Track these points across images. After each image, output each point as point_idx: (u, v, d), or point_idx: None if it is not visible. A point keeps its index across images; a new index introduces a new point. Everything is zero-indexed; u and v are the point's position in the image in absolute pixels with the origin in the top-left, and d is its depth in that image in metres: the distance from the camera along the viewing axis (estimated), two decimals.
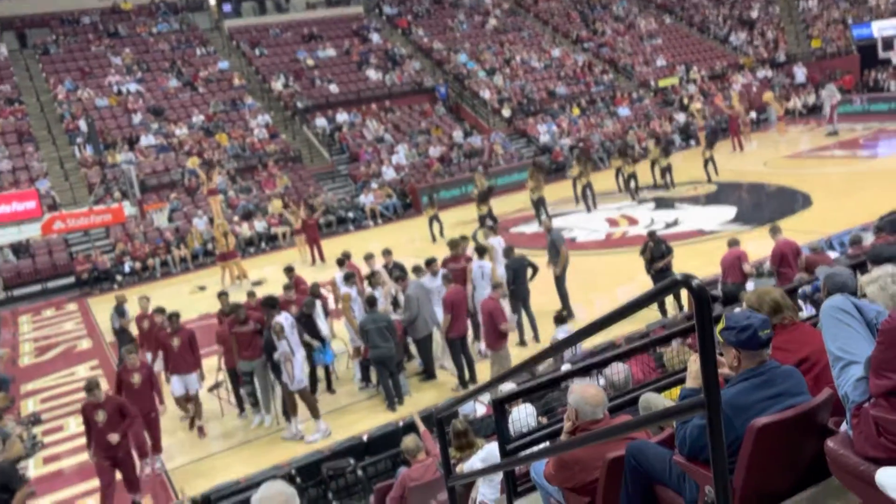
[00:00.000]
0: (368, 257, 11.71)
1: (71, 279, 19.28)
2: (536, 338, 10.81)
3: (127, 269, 19.31)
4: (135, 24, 29.62)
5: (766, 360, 2.76)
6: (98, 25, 29.08)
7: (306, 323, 9.75)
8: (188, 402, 9.69)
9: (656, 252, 11.02)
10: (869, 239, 9.78)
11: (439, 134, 26.87)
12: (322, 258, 17.97)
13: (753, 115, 28.47)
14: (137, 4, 30.78)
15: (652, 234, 11.40)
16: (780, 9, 36.43)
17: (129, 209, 17.42)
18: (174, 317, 9.74)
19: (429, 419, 6.89)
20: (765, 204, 18.18)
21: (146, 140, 23.94)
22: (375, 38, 31.45)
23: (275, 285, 16.31)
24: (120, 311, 12.08)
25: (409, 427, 7.43)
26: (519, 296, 10.73)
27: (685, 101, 29.94)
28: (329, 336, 10.23)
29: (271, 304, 9.43)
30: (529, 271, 10.85)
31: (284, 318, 9.05)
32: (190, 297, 16.63)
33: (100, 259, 19.34)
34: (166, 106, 25.71)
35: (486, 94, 28.93)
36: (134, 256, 19.57)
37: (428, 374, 10.29)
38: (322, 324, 10.04)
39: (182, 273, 19.35)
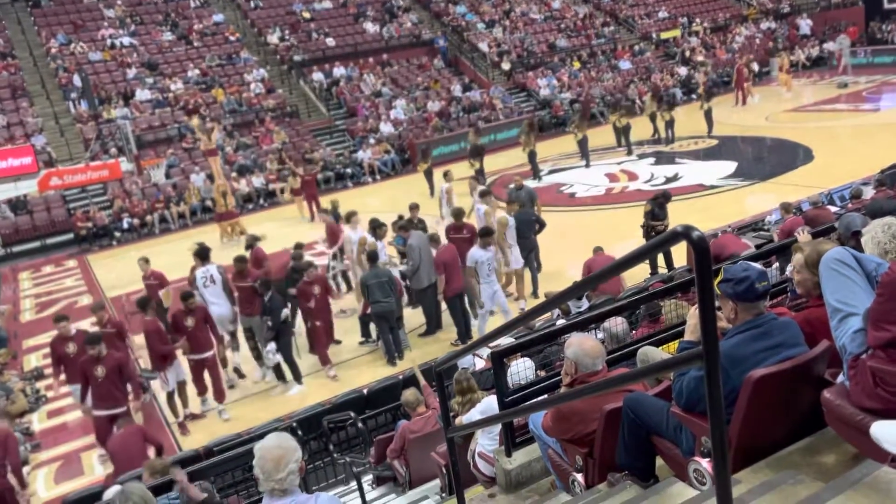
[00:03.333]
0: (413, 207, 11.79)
1: (69, 236, 19.25)
2: (535, 293, 10.86)
3: (125, 225, 19.27)
4: None
5: (763, 312, 2.76)
6: None
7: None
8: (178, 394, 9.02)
9: (659, 215, 10.92)
10: (869, 193, 9.74)
11: (438, 88, 26.54)
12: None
13: (755, 66, 28.09)
14: None
15: (664, 196, 11.16)
16: None
17: (125, 165, 17.29)
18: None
19: (428, 373, 6.96)
20: (766, 158, 18.07)
21: (141, 95, 23.64)
22: None
23: (273, 242, 16.34)
24: (334, 213, 13.26)
25: (410, 381, 7.50)
26: (526, 247, 10.76)
27: (687, 53, 29.53)
28: None
29: (202, 256, 9.76)
30: (536, 226, 11.03)
31: (203, 271, 9.51)
32: (189, 254, 16.62)
33: (98, 215, 19.29)
34: (161, 60, 25.32)
35: (485, 46, 28.49)
36: (132, 213, 19.50)
37: (430, 325, 10.33)
38: None
39: (181, 230, 19.30)
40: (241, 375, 9.87)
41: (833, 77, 26.21)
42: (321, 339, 9.49)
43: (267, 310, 9.06)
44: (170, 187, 20.44)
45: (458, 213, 10.73)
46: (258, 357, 9.74)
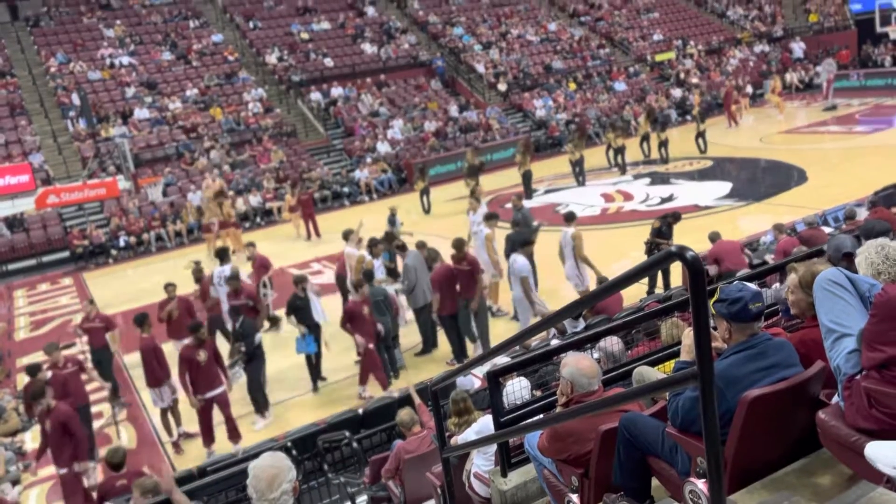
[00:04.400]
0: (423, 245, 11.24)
1: (66, 253, 19.21)
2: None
3: (122, 243, 19.25)
4: None
5: (758, 332, 2.77)
6: None
7: (300, 308, 9.53)
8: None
9: (667, 234, 10.95)
10: (863, 214, 9.79)
11: (435, 108, 26.70)
12: (318, 233, 17.96)
13: (750, 89, 28.36)
14: None
15: (674, 216, 11.17)
16: None
17: (123, 183, 17.32)
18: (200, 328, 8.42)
19: (424, 392, 6.94)
20: (760, 179, 18.16)
21: (140, 114, 23.74)
22: (371, 11, 31.10)
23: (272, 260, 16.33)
24: (392, 219, 13.69)
25: (405, 400, 7.48)
26: None
27: (682, 75, 29.78)
28: (323, 319, 9.80)
29: (221, 256, 10.74)
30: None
31: (220, 270, 10.61)
32: (185, 272, 16.61)
33: (94, 233, 19.28)
34: (159, 79, 25.46)
35: (481, 68, 28.71)
36: (129, 231, 19.50)
37: (426, 344, 10.31)
38: (316, 305, 9.79)
39: (177, 248, 19.29)
40: None
41: (821, 100, 26.40)
42: (374, 362, 9.19)
43: (239, 335, 8.85)
44: (166, 205, 20.46)
45: (458, 245, 9.91)
46: None
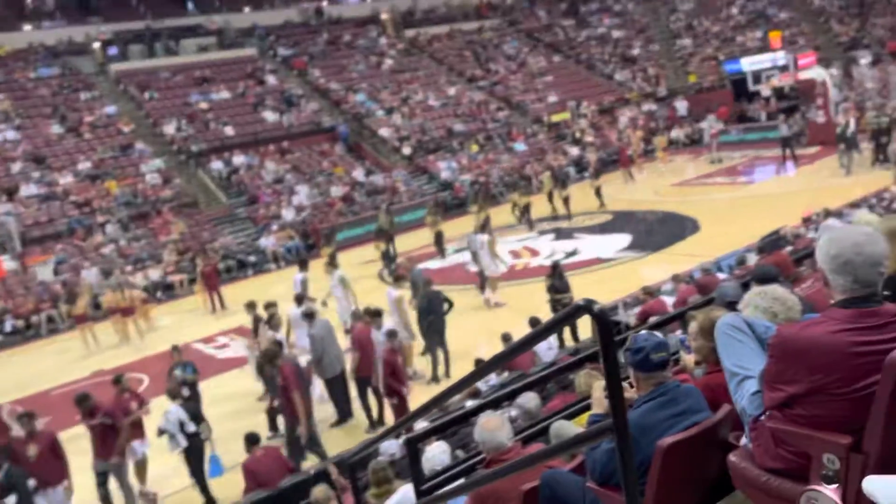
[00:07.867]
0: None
1: None
2: (448, 373, 10.79)
3: (8, 328, 18.00)
4: (12, 70, 28.14)
5: (665, 381, 2.83)
6: None
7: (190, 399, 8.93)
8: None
9: (560, 287, 11.26)
10: (752, 259, 10.34)
11: (340, 173, 26.75)
12: (223, 305, 17.40)
13: (642, 145, 29.89)
14: (14, 49, 29.31)
15: (554, 267, 11.59)
16: (659, 47, 38.66)
17: (8, 264, 16.32)
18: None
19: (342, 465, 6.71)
20: (657, 230, 18.98)
21: (27, 190, 22.64)
22: (271, 79, 31.16)
23: (172, 334, 15.69)
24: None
25: (321, 475, 7.20)
26: (435, 328, 10.72)
27: (577, 134, 31.11)
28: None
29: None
30: (445, 305, 11.01)
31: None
32: (80, 355, 15.70)
33: None
34: (48, 153, 24.44)
35: (385, 132, 29.09)
36: (16, 314, 18.28)
37: (342, 414, 10.04)
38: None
39: (69, 329, 18.20)
40: None
41: (706, 153, 28.12)
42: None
43: (4, 487, 7.23)
44: (58, 285, 19.35)
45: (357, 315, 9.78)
46: None
